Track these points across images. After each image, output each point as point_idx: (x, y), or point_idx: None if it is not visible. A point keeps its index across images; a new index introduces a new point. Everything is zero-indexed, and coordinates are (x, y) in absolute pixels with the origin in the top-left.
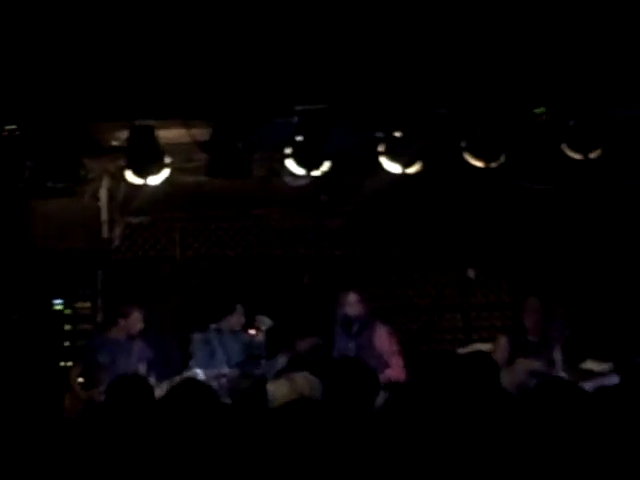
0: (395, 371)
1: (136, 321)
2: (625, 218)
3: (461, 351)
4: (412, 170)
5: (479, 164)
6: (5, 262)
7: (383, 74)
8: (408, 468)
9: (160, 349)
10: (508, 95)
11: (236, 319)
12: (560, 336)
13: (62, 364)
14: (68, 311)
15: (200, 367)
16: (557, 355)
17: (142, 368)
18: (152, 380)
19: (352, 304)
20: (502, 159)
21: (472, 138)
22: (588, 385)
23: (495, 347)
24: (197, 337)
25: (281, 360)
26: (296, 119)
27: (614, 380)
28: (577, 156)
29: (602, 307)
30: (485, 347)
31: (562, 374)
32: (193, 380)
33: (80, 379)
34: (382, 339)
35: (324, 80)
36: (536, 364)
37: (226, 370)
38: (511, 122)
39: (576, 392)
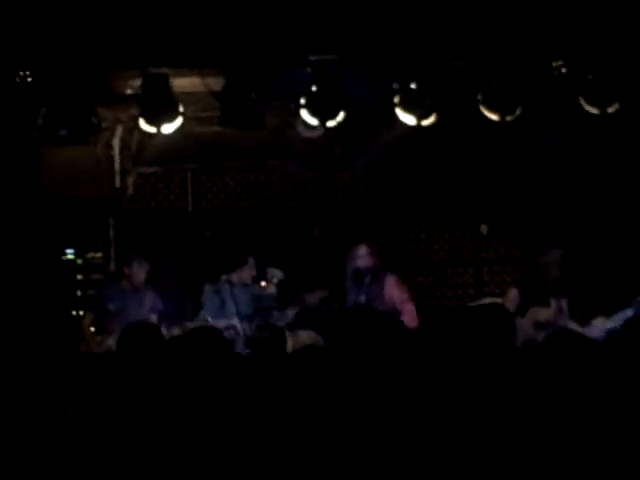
0: (408, 317)
1: (137, 270)
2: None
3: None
4: (427, 122)
5: (494, 117)
6: (18, 210)
7: (399, 24)
8: (417, 417)
9: (172, 300)
10: (526, 47)
11: (247, 271)
12: (567, 288)
13: (74, 313)
14: (80, 261)
15: (210, 317)
16: (564, 306)
17: (153, 319)
18: (164, 331)
19: (363, 256)
20: (518, 112)
21: (488, 90)
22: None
23: (505, 299)
24: (208, 288)
25: (290, 313)
26: (310, 69)
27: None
28: (594, 110)
29: (615, 261)
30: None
31: (571, 324)
32: (206, 327)
33: (92, 328)
34: (392, 289)
35: (339, 30)
36: (544, 314)
37: (236, 322)
38: (528, 75)
39: (585, 343)
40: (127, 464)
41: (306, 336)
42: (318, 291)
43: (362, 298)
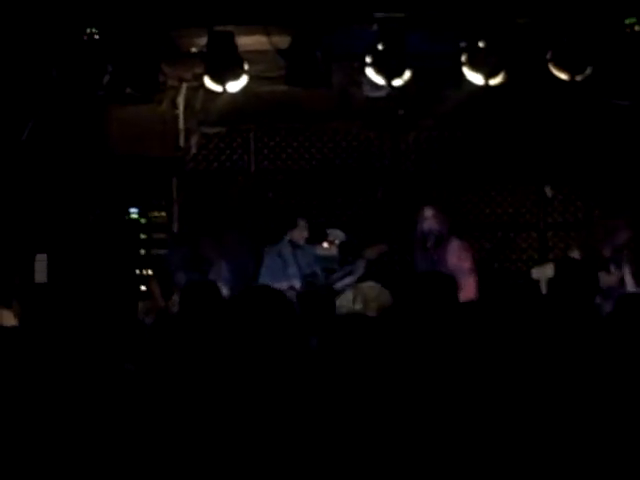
0: (466, 293)
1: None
2: None
3: (534, 270)
4: (495, 81)
5: (564, 76)
6: (83, 168)
7: None
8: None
9: (234, 261)
10: (597, 3)
11: (298, 233)
12: (632, 256)
13: (137, 272)
14: (143, 220)
15: (271, 279)
16: (628, 275)
17: (223, 289)
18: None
19: (428, 218)
20: (588, 72)
21: (557, 49)
22: None
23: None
24: (269, 249)
25: (359, 265)
26: (376, 27)
27: None
28: None
29: None
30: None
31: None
32: (267, 287)
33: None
34: (455, 256)
35: None
36: (606, 280)
37: (297, 283)
38: (599, 32)
39: None
40: (188, 422)
41: (368, 287)
42: (377, 245)
43: (427, 261)
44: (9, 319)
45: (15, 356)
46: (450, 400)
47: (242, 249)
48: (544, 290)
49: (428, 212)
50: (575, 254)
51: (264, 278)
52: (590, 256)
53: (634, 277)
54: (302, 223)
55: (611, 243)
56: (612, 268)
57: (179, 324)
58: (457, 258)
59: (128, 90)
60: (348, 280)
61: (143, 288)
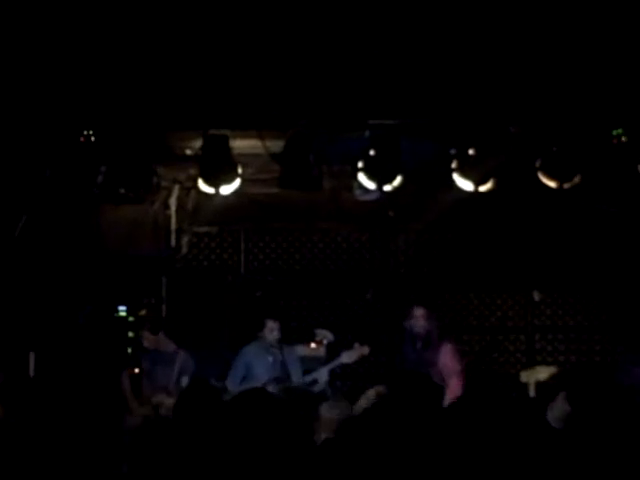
0: (452, 393)
1: (148, 339)
2: None
3: (523, 373)
4: (484, 188)
5: (553, 184)
6: (75, 265)
7: (458, 90)
8: None
9: (218, 359)
10: (585, 115)
11: (268, 333)
12: None
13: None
14: (131, 318)
15: (236, 379)
16: None
17: (184, 381)
18: None
19: (418, 317)
20: (577, 180)
21: (546, 157)
22: None
23: None
24: (246, 348)
25: (323, 372)
26: (368, 133)
27: None
28: None
29: None
30: (547, 370)
31: None
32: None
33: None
34: (446, 358)
35: (398, 95)
36: None
37: (266, 383)
38: (587, 142)
39: None
40: None
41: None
42: (358, 349)
43: (415, 360)
44: None
45: None
46: None
47: (226, 342)
48: (532, 393)
49: (418, 311)
50: None
51: (231, 379)
52: None
53: None
54: (270, 323)
55: None
56: None
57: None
58: (448, 359)
59: (122, 190)
60: (316, 388)
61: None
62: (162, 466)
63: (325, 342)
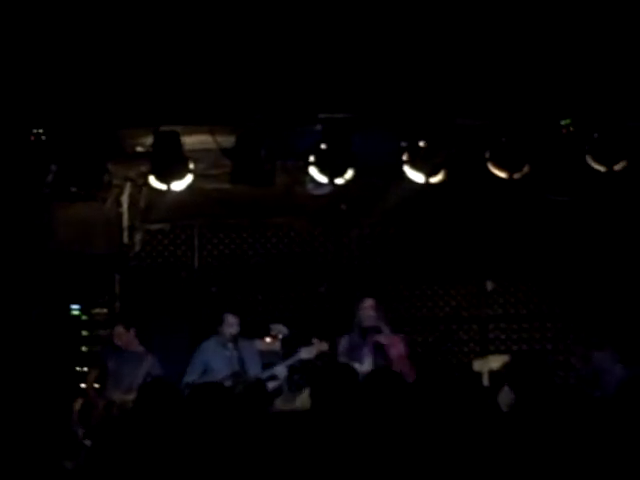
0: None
1: (122, 335)
2: None
3: (476, 362)
4: (435, 180)
5: (503, 174)
6: (26, 264)
7: (407, 83)
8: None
9: (175, 356)
10: (534, 106)
11: (226, 329)
12: None
13: (78, 369)
14: (85, 317)
15: (195, 374)
16: None
17: None
18: None
19: (366, 309)
20: (526, 170)
21: (496, 148)
22: None
23: None
24: (204, 344)
25: (280, 369)
26: (320, 127)
27: None
28: (601, 168)
29: (626, 320)
30: (500, 359)
31: None
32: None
33: (96, 384)
34: (399, 348)
35: (348, 88)
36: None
37: (223, 378)
38: (536, 133)
39: None
40: None
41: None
42: (317, 344)
43: (364, 351)
44: None
45: None
46: None
47: (182, 338)
48: (486, 382)
49: (367, 304)
50: None
51: (188, 374)
52: None
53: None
54: (229, 318)
55: None
56: None
57: (135, 422)
58: (401, 350)
59: (73, 188)
60: (272, 385)
61: (82, 385)
62: (122, 461)
63: (280, 336)
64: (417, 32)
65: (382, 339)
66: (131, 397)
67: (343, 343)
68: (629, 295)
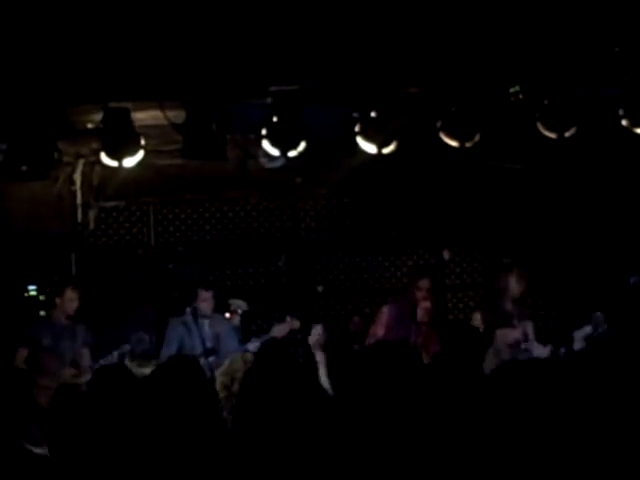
0: None
1: (70, 300)
2: (598, 198)
3: None
4: (387, 150)
5: (454, 143)
6: None
7: (356, 54)
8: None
9: (134, 333)
10: (483, 74)
11: (202, 303)
12: (530, 309)
13: None
14: (42, 297)
15: (171, 351)
16: (529, 328)
17: (85, 353)
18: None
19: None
20: (477, 138)
21: (447, 117)
22: None
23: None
24: (173, 321)
25: (251, 346)
26: (270, 100)
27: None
28: (552, 135)
29: (575, 285)
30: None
31: (537, 347)
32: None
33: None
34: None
35: (298, 61)
36: (512, 335)
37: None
38: (486, 101)
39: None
40: None
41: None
42: (288, 322)
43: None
44: None
45: None
46: None
47: (142, 322)
48: None
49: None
50: (477, 316)
51: (165, 350)
52: (493, 314)
53: (535, 333)
54: (203, 293)
55: (508, 296)
56: (515, 322)
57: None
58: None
59: (23, 167)
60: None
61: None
62: (81, 440)
63: (239, 312)
64: (365, 2)
65: None
66: (75, 371)
67: (391, 312)
68: (581, 260)
